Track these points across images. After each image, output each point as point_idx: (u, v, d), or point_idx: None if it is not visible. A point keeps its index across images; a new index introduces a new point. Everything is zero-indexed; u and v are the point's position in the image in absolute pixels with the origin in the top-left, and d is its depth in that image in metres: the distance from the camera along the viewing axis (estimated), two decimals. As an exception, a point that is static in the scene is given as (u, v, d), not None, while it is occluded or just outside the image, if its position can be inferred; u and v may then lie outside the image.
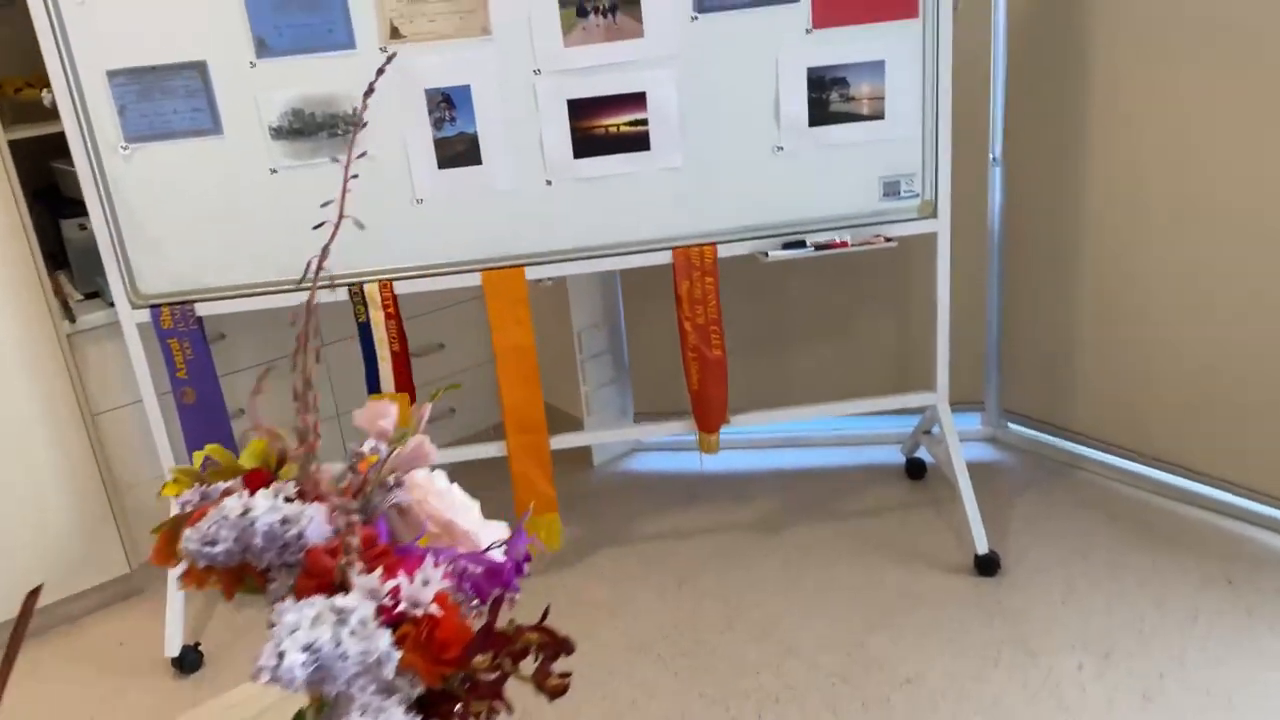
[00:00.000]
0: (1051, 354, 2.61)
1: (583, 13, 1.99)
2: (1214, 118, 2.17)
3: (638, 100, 2.06)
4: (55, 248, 2.36)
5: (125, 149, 2.00)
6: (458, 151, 2.07)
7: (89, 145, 1.99)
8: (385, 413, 0.72)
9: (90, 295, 2.35)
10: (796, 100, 2.08)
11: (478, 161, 2.08)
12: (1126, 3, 2.23)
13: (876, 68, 2.08)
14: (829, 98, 2.09)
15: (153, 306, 2.12)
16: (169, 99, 1.98)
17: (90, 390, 2.33)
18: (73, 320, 2.25)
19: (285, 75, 1.98)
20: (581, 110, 2.06)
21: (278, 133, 2.02)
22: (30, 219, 2.16)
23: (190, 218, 2.06)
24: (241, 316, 2.40)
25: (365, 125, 2.03)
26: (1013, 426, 2.79)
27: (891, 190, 2.18)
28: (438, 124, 2.05)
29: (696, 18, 2.01)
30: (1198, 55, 2.16)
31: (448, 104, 2.03)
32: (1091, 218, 2.42)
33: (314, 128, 2.02)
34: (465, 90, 2.03)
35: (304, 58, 1.98)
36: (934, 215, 2.20)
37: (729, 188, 2.14)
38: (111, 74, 1.95)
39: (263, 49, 1.96)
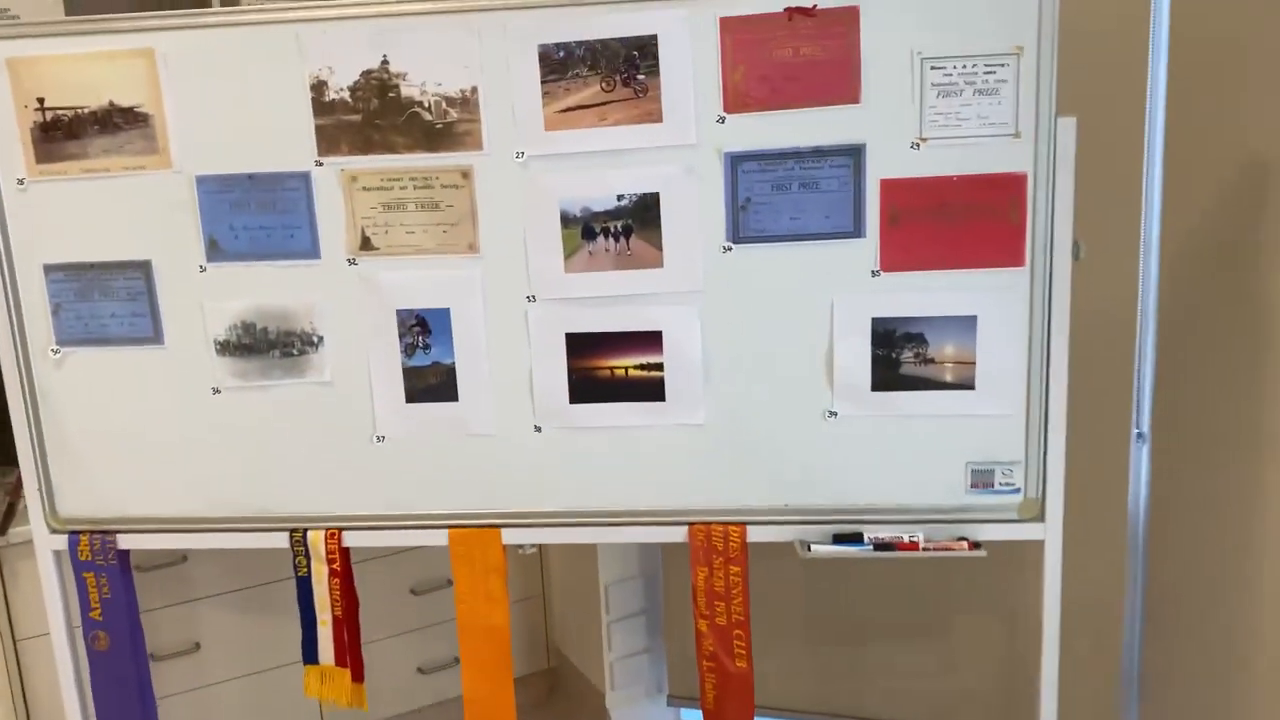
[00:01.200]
0: (1214, 703, 1.93)
1: (590, 234, 1.61)
2: None
3: (652, 340, 1.64)
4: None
5: (56, 352, 1.72)
6: (430, 384, 1.69)
7: (17, 344, 1.72)
8: None
9: (41, 499, 2.07)
10: (856, 357, 1.61)
11: (453, 397, 1.69)
12: (1324, 259, 1.67)
13: (965, 324, 1.59)
14: (900, 357, 1.61)
15: (71, 533, 1.80)
16: (108, 300, 1.70)
17: (16, 611, 2.02)
18: (2, 532, 1.97)
19: (238, 283, 1.68)
20: (583, 347, 1.66)
21: (224, 347, 1.70)
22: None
23: (120, 436, 1.75)
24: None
25: (322, 344, 1.69)
26: (1158, 785, 2.09)
27: (983, 481, 1.65)
28: (409, 350, 1.68)
29: (730, 248, 1.60)
30: None
31: (422, 328, 1.67)
32: (1273, 514, 1.79)
33: (265, 345, 1.70)
34: (444, 314, 1.67)
35: (260, 264, 1.67)
36: (1040, 519, 1.64)
37: (765, 457, 1.66)
38: (49, 268, 1.70)
39: (214, 251, 1.67)
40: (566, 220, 1.61)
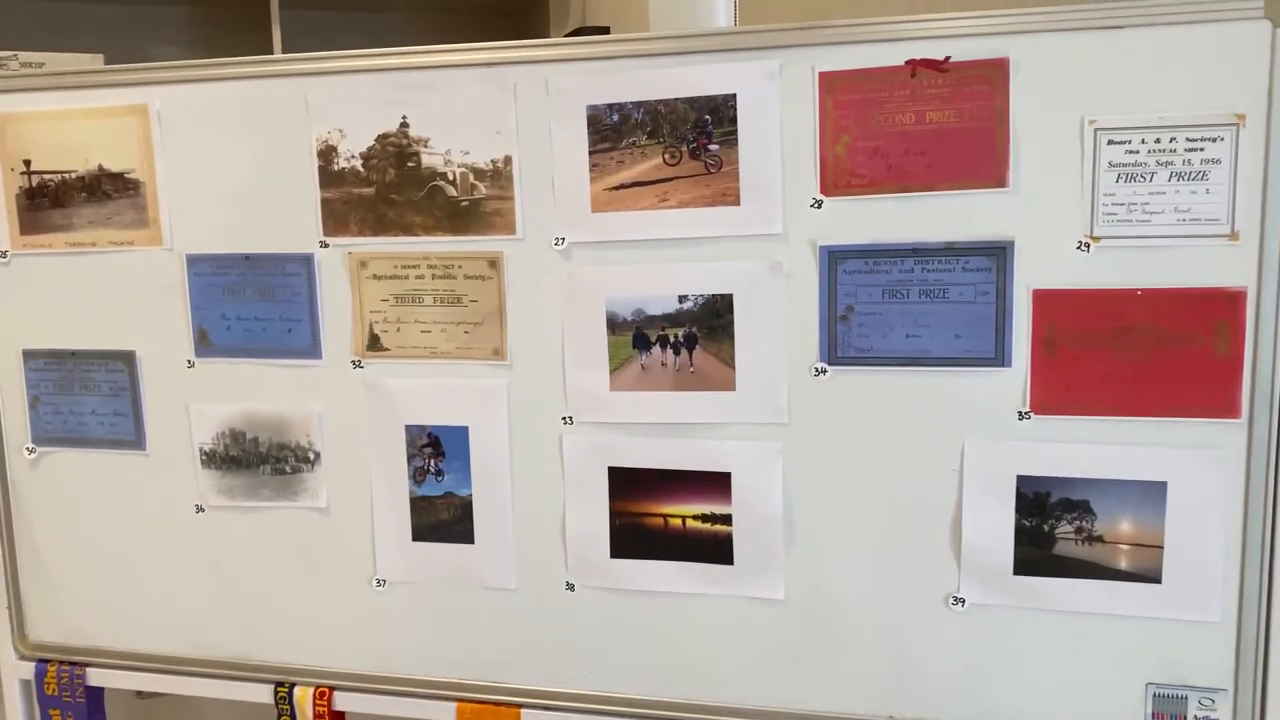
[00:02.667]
0: None
1: (643, 343, 1.26)
2: None
3: (719, 484, 1.26)
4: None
5: (31, 451, 1.49)
6: (441, 520, 1.36)
7: (-8, 440, 1.50)
8: None
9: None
10: (994, 527, 1.19)
11: (468, 539, 1.35)
12: None
13: (1150, 492, 1.14)
14: (1055, 531, 1.17)
15: (40, 660, 1.54)
16: (89, 394, 1.45)
17: (-1, 734, 1.77)
18: (-18, 646, 1.73)
19: (228, 383, 1.40)
20: (630, 486, 1.29)
21: (210, 458, 1.42)
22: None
23: (96, 553, 1.49)
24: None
25: (318, 463, 1.39)
26: None
27: (1170, 711, 1.18)
28: (418, 476, 1.36)
29: (824, 371, 1.21)
30: None
31: (434, 450, 1.35)
32: None
33: (255, 459, 1.41)
34: (461, 434, 1.34)
35: (253, 363, 1.39)
36: (1256, 774, 1.16)
37: (863, 650, 1.25)
38: (28, 354, 1.47)
39: (204, 344, 1.40)
40: (614, 324, 1.26)
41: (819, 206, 1.18)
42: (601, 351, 1.27)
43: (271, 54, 2.16)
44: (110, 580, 1.49)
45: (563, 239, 1.26)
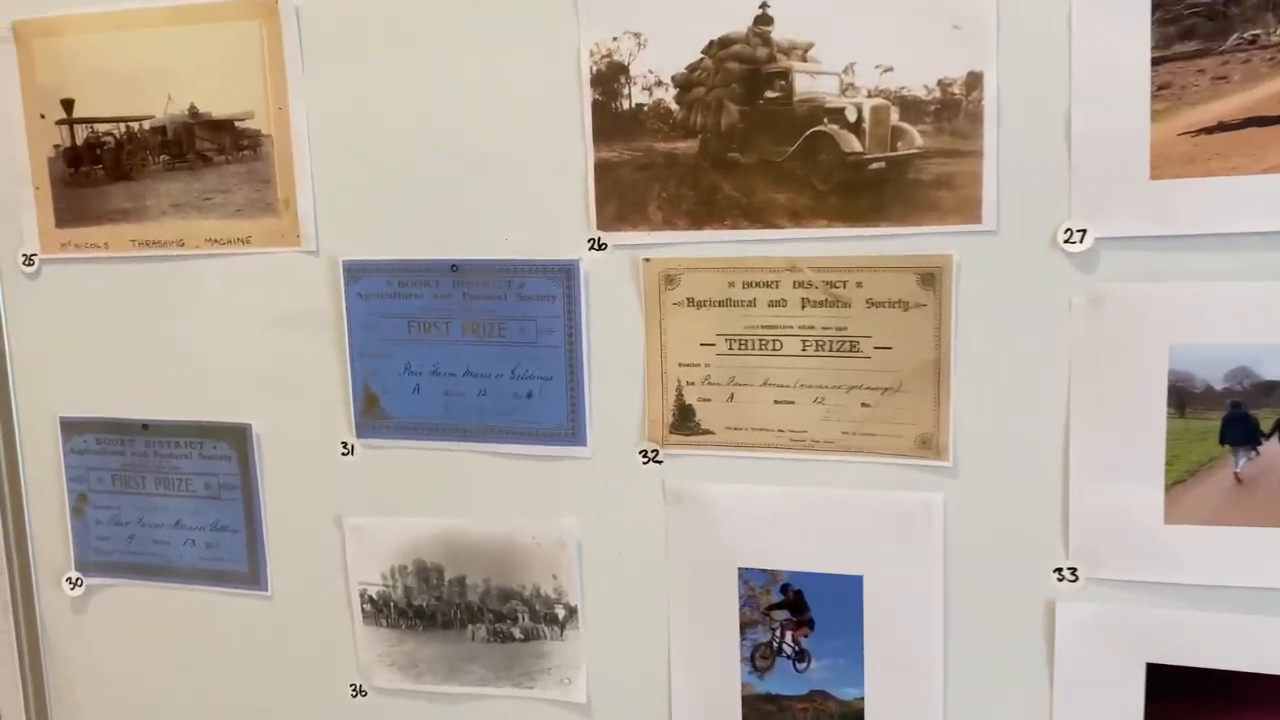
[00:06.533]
0: None
1: (1244, 434, 0.65)
2: None
3: (1385, 706, 0.65)
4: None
5: (75, 584, 0.91)
6: (802, 736, 0.76)
7: (13, 562, 0.91)
8: None
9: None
10: None
11: (853, 772, 0.76)
12: None
13: None
14: None
15: None
16: (171, 495, 0.87)
17: None
18: None
19: (414, 483, 0.81)
20: (1189, 698, 0.69)
21: (378, 609, 0.83)
22: None
23: (180, 749, 0.91)
24: None
25: (572, 617, 0.79)
26: None
27: None
28: (761, 659, 0.76)
29: None
30: None
31: (794, 614, 0.75)
32: None
33: (460, 612, 0.82)
34: (848, 588, 0.74)
35: (460, 449, 0.80)
36: None
37: None
38: (69, 426, 0.88)
39: (373, 416, 0.81)
40: (1184, 396, 0.66)
41: None
42: (1154, 446, 0.66)
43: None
44: (205, 793, 0.91)
45: (1080, 232, 0.66)
